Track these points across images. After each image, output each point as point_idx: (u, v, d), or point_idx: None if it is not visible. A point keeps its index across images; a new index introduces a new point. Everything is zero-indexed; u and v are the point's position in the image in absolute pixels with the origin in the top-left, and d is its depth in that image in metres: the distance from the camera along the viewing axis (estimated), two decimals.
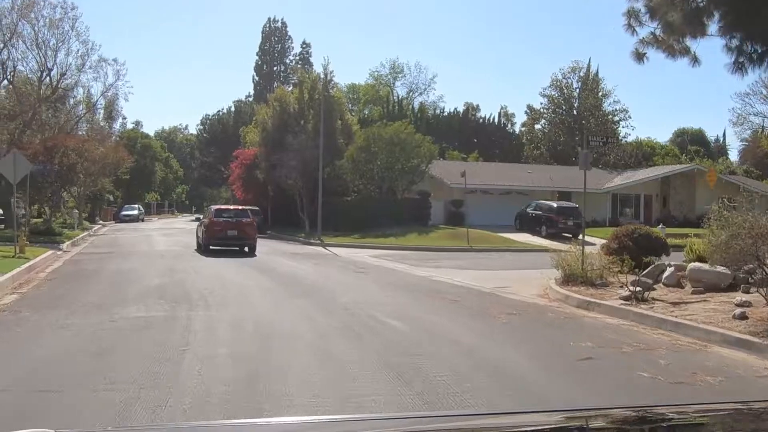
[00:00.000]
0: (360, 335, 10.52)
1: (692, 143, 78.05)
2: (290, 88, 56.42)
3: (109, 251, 28.00)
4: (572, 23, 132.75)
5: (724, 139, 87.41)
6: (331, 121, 47.94)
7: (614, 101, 72.88)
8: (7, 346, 9.49)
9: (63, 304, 12.95)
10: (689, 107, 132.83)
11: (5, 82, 38.69)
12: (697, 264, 16.01)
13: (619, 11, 26.37)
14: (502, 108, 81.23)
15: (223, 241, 28.20)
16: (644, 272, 16.51)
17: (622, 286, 15.35)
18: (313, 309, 13.11)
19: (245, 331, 10.71)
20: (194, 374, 7.72)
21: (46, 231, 32.36)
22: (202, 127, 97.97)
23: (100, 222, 59.40)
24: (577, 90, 72.61)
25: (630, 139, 73.00)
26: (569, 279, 17.79)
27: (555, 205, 43.21)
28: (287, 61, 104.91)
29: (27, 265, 19.48)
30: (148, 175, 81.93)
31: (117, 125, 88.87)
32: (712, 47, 23.74)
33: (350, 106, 74.67)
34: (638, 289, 14.40)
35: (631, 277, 15.40)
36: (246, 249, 28.30)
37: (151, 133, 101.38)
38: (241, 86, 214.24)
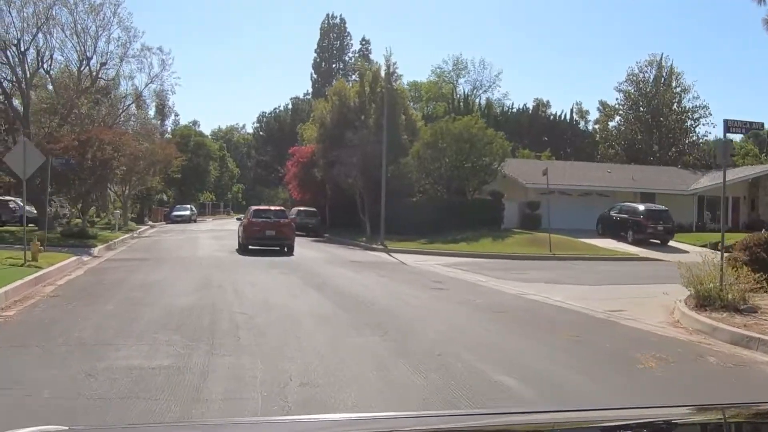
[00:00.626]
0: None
1: None
2: (350, 83, 52.64)
3: (143, 257, 24.59)
4: (649, 14, 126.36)
5: None
6: (393, 115, 44.24)
7: (693, 97, 67.64)
8: None
9: (42, 338, 9.32)
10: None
11: (41, 71, 35.72)
12: None
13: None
14: (575, 104, 76.60)
15: (261, 240, 28.45)
16: None
17: None
18: (388, 352, 9.16)
19: (287, 397, 6.81)
20: None
21: (79, 233, 29.21)
22: (258, 125, 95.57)
23: (149, 223, 56.52)
24: (652, 84, 67.52)
25: (709, 138, 67.71)
26: (704, 301, 13.72)
27: (642, 207, 38.80)
28: (346, 58, 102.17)
29: (33, 276, 15.97)
30: (202, 174, 79.03)
31: (169, 122, 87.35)
32: None
33: (412, 104, 70.94)
34: None
35: None
36: (285, 249, 28.40)
37: (207, 133, 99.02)
38: (300, 85, 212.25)
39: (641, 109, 67.24)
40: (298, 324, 11.17)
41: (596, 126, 73.97)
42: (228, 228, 44.05)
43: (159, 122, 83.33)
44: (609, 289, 19.24)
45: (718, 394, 8.06)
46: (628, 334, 11.88)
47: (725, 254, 15.26)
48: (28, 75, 34.23)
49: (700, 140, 67.40)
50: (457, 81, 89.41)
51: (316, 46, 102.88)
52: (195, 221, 66.49)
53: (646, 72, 67.89)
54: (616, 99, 69.53)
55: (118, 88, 42.54)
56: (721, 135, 16.96)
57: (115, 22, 35.96)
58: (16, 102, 34.61)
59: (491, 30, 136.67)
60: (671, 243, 37.00)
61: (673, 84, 67.56)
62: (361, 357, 8.92)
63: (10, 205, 38.87)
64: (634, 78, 68.09)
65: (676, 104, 67.51)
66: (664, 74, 67.60)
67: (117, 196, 47.94)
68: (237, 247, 29.50)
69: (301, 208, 47.56)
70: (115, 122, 37.95)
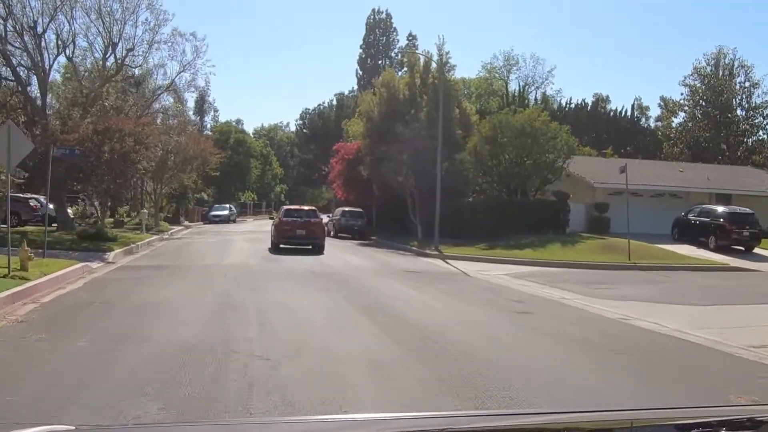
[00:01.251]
0: None
1: None
2: (399, 75, 48.89)
3: (162, 264, 21.18)
4: (713, 3, 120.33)
5: None
6: (447, 108, 40.60)
7: (764, 92, 62.84)
8: None
9: None
10: None
11: (63, 58, 32.65)
12: None
13: None
14: (635, 100, 72.01)
15: (292, 240, 28.70)
16: None
17: None
18: None
19: None
20: None
21: (96, 235, 25.95)
22: (301, 122, 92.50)
23: (185, 223, 53.36)
24: (720, 79, 62.78)
25: None
26: None
27: (725, 210, 34.53)
28: (392, 54, 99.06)
29: (10, 292, 12.55)
30: (243, 172, 75.81)
31: (208, 118, 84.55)
32: None
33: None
34: None
35: None
36: (315, 248, 28.60)
37: (250, 131, 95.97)
38: (345, 82, 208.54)
39: (708, 105, 62.58)
40: (344, 382, 7.40)
41: (658, 123, 69.37)
42: (266, 229, 40.60)
43: (198, 118, 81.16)
44: (727, 311, 15.60)
45: None
46: None
47: None
48: (47, 62, 31.23)
49: None
50: (508, 77, 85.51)
51: (361, 42, 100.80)
52: (234, 221, 63.38)
53: (714, 65, 63.27)
54: (681, 94, 64.96)
55: (151, 79, 39.40)
56: None
57: (144, 4, 32.85)
58: (37, 92, 31.61)
59: (543, 24, 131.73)
60: (756, 250, 32.80)
61: (742, 78, 63.01)
62: None
63: (31, 203, 35.96)
64: (701, 72, 63.52)
65: (745, 100, 62.91)
66: (734, 68, 63.03)
67: (147, 194, 44.83)
68: (270, 247, 29.04)
69: (346, 209, 44.03)
70: (144, 114, 34.57)
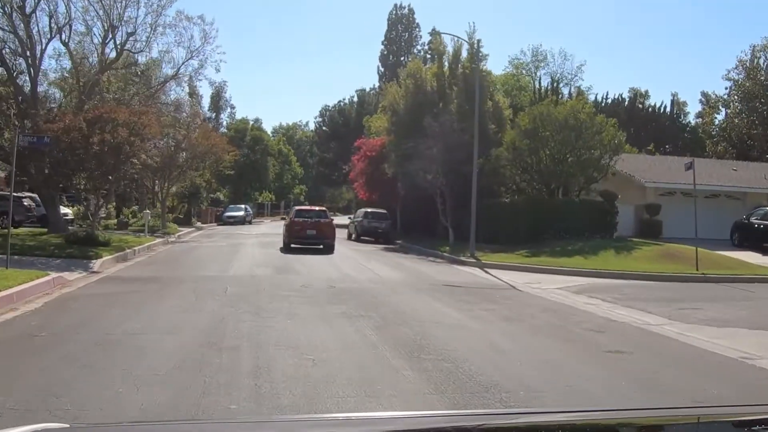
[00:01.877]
0: None
1: None
2: (426, 65, 45.33)
3: (154, 276, 17.78)
4: None
5: None
6: (480, 100, 37.19)
7: None
8: None
9: None
10: None
11: (58, 43, 29.46)
12: None
13: None
14: (673, 95, 68.05)
15: (303, 240, 29.03)
16: None
17: None
18: None
19: None
20: None
21: (86, 239, 22.70)
22: (321, 119, 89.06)
23: (197, 224, 50.00)
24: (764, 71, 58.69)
25: None
26: None
27: None
28: (414, 50, 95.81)
29: None
30: (260, 171, 72.37)
31: (225, 115, 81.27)
32: None
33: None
34: None
35: None
36: (325, 248, 28.79)
37: (268, 130, 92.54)
38: (366, 80, 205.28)
39: (755, 100, 58.43)
40: None
41: (698, 120, 65.36)
42: (281, 232, 37.38)
43: (213, 115, 77.96)
44: None
45: None
46: None
47: None
48: (38, 45, 28.07)
49: None
50: (535, 73, 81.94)
51: (383, 38, 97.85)
52: (250, 223, 60.11)
53: (761, 57, 59.18)
54: (726, 89, 60.83)
55: (159, 70, 36.11)
56: None
57: None
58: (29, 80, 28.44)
59: (570, 19, 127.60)
60: None
61: None
62: None
63: (25, 203, 32.86)
64: (746, 65, 59.43)
65: None
66: None
67: (154, 193, 41.63)
68: (283, 247, 29.15)
69: (369, 210, 40.53)
70: (148, 104, 31.27)
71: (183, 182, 43.04)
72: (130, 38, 30.48)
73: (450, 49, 40.37)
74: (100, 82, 30.73)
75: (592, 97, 62.22)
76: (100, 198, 26.21)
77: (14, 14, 26.94)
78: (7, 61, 27.19)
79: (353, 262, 24.14)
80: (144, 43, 31.13)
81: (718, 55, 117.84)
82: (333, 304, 13.06)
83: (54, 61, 35.36)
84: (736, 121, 59.04)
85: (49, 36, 28.58)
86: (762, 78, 58.23)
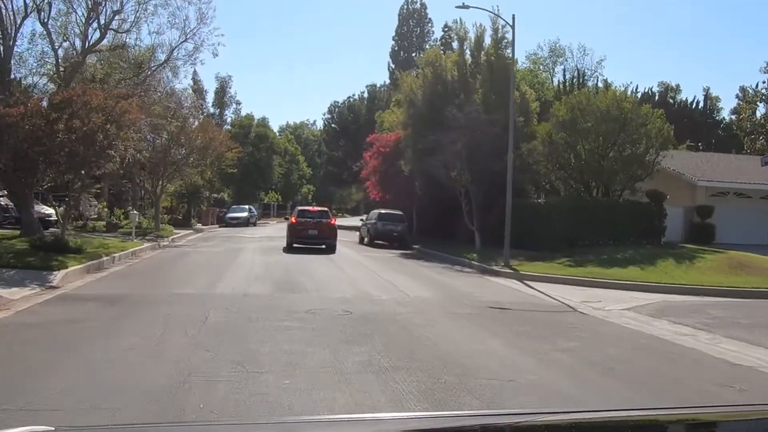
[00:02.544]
0: None
1: None
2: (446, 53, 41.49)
3: (122, 294, 13.91)
4: None
5: None
6: (505, 90, 33.53)
7: None
8: None
9: None
10: None
11: (36, 23, 25.94)
12: None
13: None
14: (705, 89, 64.05)
15: (304, 240, 29.13)
16: None
17: None
18: None
19: None
20: None
21: (53, 245, 19.09)
22: (329, 116, 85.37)
23: (197, 226, 46.24)
24: None
25: None
26: None
27: None
28: (426, 46, 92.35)
29: None
30: (264, 170, 68.49)
31: (229, 112, 77.53)
32: None
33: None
34: None
35: None
36: (327, 247, 28.88)
37: (275, 129, 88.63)
38: (376, 77, 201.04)
39: None
40: None
41: (732, 116, 61.33)
42: (285, 234, 33.82)
43: (217, 111, 74.30)
44: None
45: None
46: None
47: None
48: (11, 22, 24.47)
49: None
50: (553, 69, 78.30)
51: (394, 34, 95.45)
52: (254, 224, 56.37)
53: None
54: (764, 82, 56.79)
55: (152, 58, 32.42)
56: None
57: None
58: None
59: (590, 13, 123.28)
60: None
61: None
62: None
63: (1, 202, 29.39)
64: None
65: None
66: None
67: (151, 192, 37.96)
68: (286, 249, 28.44)
69: (383, 211, 36.70)
70: (136, 92, 27.60)
71: (179, 180, 39.34)
72: (117, 17, 26.89)
73: (472, 35, 36.55)
74: (83, 66, 27.19)
75: (627, 89, 58.36)
76: (74, 196, 22.48)
77: None
78: None
79: (369, 273, 20.39)
80: (132, 23, 27.51)
81: (754, 47, 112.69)
82: (351, 344, 9.27)
83: (28, 42, 31.62)
84: None
85: (24, 13, 25.06)
86: None
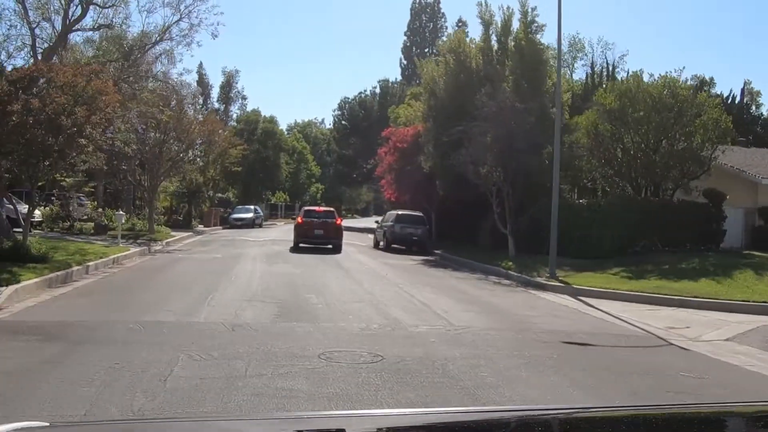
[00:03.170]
0: None
1: None
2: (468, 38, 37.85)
3: (72, 322, 10.40)
4: None
5: None
6: (539, 78, 30.21)
7: None
8: None
9: None
10: None
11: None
12: None
13: None
14: (745, 83, 60.38)
15: (310, 239, 29.09)
16: None
17: None
18: None
19: None
20: None
21: (11, 252, 15.75)
22: (339, 113, 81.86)
23: (197, 228, 42.80)
24: None
25: None
26: None
27: None
28: (439, 42, 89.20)
29: None
30: (271, 168, 64.98)
31: (234, 108, 74.32)
32: None
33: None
34: None
35: None
36: (333, 247, 28.92)
37: (283, 127, 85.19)
38: (387, 73, 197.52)
39: None
40: None
41: None
42: (293, 238, 30.49)
43: (223, 107, 71.09)
44: None
45: None
46: None
47: None
48: None
49: None
50: (572, 64, 74.84)
51: (405, 29, 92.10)
52: (260, 226, 52.96)
53: None
54: None
55: (144, 37, 29.04)
56: None
57: None
58: None
59: (610, 6, 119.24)
60: None
61: None
62: None
63: None
64: None
65: None
66: None
67: (142, 190, 34.59)
68: (293, 252, 27.30)
69: (402, 213, 33.17)
70: (126, 77, 24.24)
71: (176, 177, 35.98)
72: None
73: (498, 18, 33.06)
74: (64, 47, 23.89)
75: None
76: (37, 193, 19.10)
77: None
78: None
79: (393, 287, 16.86)
80: None
81: None
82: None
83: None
84: None
85: None
86: None
